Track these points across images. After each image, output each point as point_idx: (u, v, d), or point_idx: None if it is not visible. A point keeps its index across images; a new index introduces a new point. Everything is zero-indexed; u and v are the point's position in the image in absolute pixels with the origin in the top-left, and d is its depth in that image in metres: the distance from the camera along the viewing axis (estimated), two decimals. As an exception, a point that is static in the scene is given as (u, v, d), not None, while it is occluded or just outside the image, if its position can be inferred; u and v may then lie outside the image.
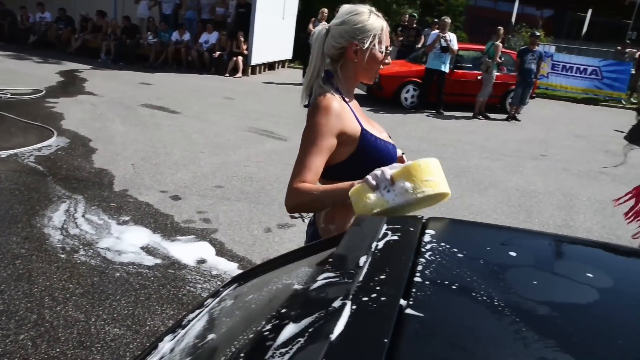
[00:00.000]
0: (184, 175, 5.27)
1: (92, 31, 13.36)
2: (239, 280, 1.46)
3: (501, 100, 10.72)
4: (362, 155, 1.60)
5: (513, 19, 19.24)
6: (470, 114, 10.14)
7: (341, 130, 1.56)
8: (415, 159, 1.35)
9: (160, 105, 8.36)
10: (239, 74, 12.11)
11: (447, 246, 0.92)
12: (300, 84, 12.37)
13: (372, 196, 1.26)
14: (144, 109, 8.08)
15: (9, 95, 8.12)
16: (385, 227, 1.03)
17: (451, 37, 9.80)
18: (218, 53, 12.24)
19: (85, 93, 8.96)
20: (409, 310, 0.72)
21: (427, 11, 19.92)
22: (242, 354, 0.84)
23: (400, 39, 12.19)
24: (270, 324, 0.87)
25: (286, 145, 6.72)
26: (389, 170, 1.29)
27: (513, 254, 0.93)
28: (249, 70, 12.60)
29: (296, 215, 4.48)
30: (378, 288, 0.78)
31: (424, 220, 1.06)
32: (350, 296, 0.76)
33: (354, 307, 0.73)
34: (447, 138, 8.12)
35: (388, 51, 1.66)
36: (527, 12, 24.56)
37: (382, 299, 0.75)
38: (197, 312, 1.37)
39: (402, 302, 0.74)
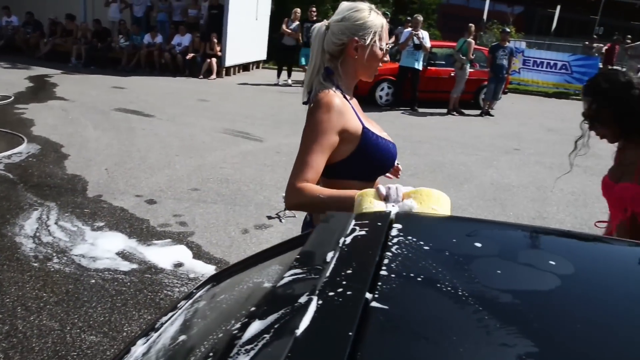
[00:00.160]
0: (159, 179, 5.22)
1: (61, 35, 13.12)
2: (212, 281, 1.46)
3: (474, 96, 10.87)
4: (363, 154, 1.59)
5: (485, 16, 19.49)
6: (444, 111, 10.25)
7: (343, 127, 1.55)
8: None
9: (134, 109, 8.26)
10: (213, 76, 12.03)
11: (414, 239, 0.93)
12: (275, 85, 12.32)
13: (376, 203, 1.26)
14: (117, 113, 7.97)
15: (-24, 102, 7.93)
16: (353, 222, 1.04)
17: (424, 34, 9.90)
18: (191, 55, 12.14)
19: (56, 98, 8.80)
20: (374, 304, 0.72)
21: (400, 9, 20.10)
22: (211, 354, 0.83)
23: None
24: (239, 323, 0.87)
25: (262, 146, 6.70)
26: (402, 189, 1.29)
27: (479, 245, 0.95)
28: (223, 72, 12.52)
29: (273, 215, 4.47)
30: (344, 283, 0.79)
31: (392, 216, 1.07)
32: (317, 292, 0.76)
33: (320, 302, 0.73)
34: (422, 134, 8.20)
35: (387, 49, 1.66)
36: (498, 9, 24.95)
37: (348, 293, 0.76)
38: (170, 314, 1.36)
39: (368, 295, 0.74)
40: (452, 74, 10.26)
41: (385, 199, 1.27)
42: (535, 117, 10.55)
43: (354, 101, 1.71)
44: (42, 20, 13.41)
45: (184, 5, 13.10)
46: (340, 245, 0.93)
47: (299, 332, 0.67)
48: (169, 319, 1.32)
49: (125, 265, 3.52)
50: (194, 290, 1.48)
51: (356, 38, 1.59)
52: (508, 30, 11.37)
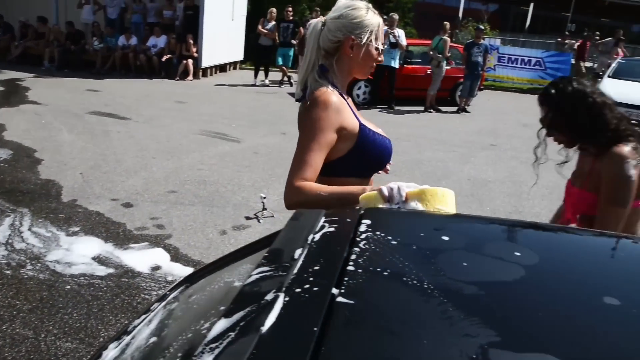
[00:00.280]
0: (135, 182, 5.16)
1: (33, 38, 12.87)
2: (185, 282, 1.45)
3: (451, 93, 10.97)
4: (361, 151, 1.58)
5: (460, 14, 19.71)
6: (421, 108, 10.33)
7: (341, 125, 1.53)
8: None
9: (109, 112, 8.15)
10: (190, 77, 11.93)
11: (382, 234, 0.94)
12: (252, 85, 12.24)
13: (380, 207, 1.25)
14: (91, 116, 7.85)
15: (-55, 108, 7.74)
16: (323, 219, 1.04)
17: (399, 33, 9.96)
18: (167, 57, 12.02)
19: (29, 102, 8.62)
20: (340, 299, 0.73)
21: (377, 8, 20.13)
22: (179, 354, 0.83)
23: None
24: (208, 322, 0.86)
25: (239, 146, 6.67)
26: (405, 188, 1.26)
27: (446, 238, 0.96)
28: (200, 73, 12.43)
29: (251, 216, 4.46)
30: (311, 279, 0.79)
31: (361, 212, 1.07)
32: (283, 288, 0.76)
33: (287, 299, 0.74)
34: (400, 132, 8.24)
35: (382, 48, 1.66)
36: (473, 7, 25.22)
37: (315, 289, 0.76)
38: (143, 317, 1.35)
39: (334, 291, 0.75)
40: (429, 72, 10.34)
41: (389, 200, 1.25)
42: (511, 113, 10.69)
43: (349, 99, 1.70)
44: (13, 23, 13.13)
45: (158, 6, 12.94)
46: (309, 242, 0.93)
47: (264, 329, 0.67)
48: (142, 321, 1.31)
49: (102, 270, 3.47)
50: (168, 292, 1.47)
51: (352, 36, 1.57)
52: (482, 27, 11.51)
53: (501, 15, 27.85)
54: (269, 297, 0.74)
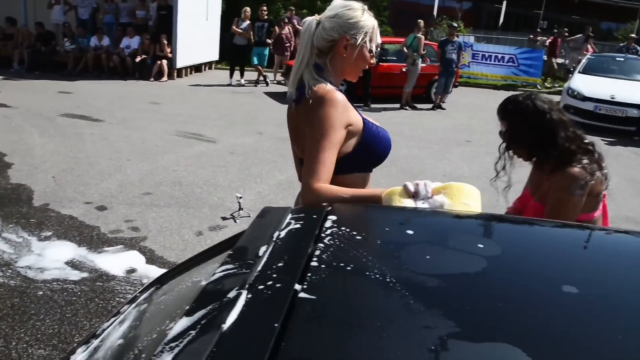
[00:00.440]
0: (109, 184, 5.08)
1: (1, 39, 12.56)
2: (155, 284, 1.44)
3: (426, 91, 11.05)
4: (367, 146, 1.58)
5: (435, 12, 19.86)
6: (397, 106, 10.39)
7: (348, 121, 1.53)
8: None
9: (82, 114, 8.00)
10: (165, 78, 11.79)
11: (347, 230, 0.95)
12: (228, 85, 12.11)
13: (405, 202, 1.24)
14: (64, 118, 7.70)
15: None
16: (289, 216, 1.04)
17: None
18: (141, 57, 11.86)
19: (-2, 105, 8.43)
20: (302, 294, 0.73)
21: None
22: (143, 355, 0.82)
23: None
24: (173, 322, 0.86)
25: (215, 147, 6.62)
26: (431, 184, 1.26)
27: (410, 232, 0.97)
28: (175, 74, 12.29)
29: (227, 216, 4.43)
30: (275, 276, 0.79)
31: (328, 208, 1.08)
32: (246, 286, 0.76)
33: (249, 296, 0.74)
34: (376, 130, 8.28)
35: (376, 51, 1.65)
36: (447, 5, 25.43)
37: (278, 285, 0.76)
38: (112, 320, 1.34)
39: (297, 287, 0.75)
40: (404, 70, 10.40)
41: (414, 196, 1.24)
42: (485, 109, 10.80)
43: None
44: (-20, 24, 12.80)
45: (131, 6, 12.74)
46: (274, 239, 0.94)
47: (225, 326, 0.67)
48: (111, 324, 1.29)
49: (75, 275, 3.41)
50: (138, 294, 1.45)
51: (347, 36, 1.56)
52: (455, 25, 11.64)
53: (475, 13, 28.16)
54: (232, 294, 0.75)
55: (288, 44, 12.25)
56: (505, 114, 1.98)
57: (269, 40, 11.81)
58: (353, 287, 0.78)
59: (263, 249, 0.88)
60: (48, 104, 8.62)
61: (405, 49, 10.24)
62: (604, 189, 1.91)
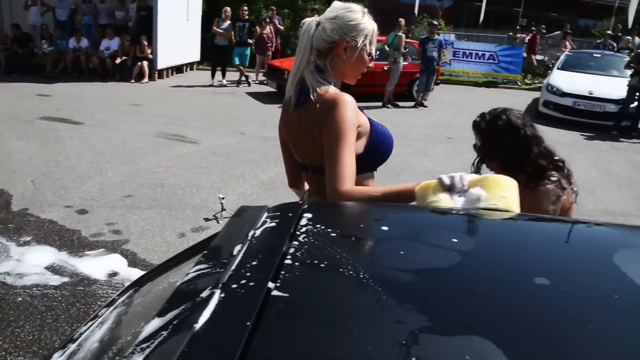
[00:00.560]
0: (90, 187, 5.02)
1: (-23, 42, 12.33)
2: (134, 286, 1.43)
3: (408, 88, 11.11)
4: (376, 146, 1.59)
5: (416, 11, 19.96)
6: (379, 104, 10.42)
7: (359, 123, 1.54)
8: None
9: (61, 117, 7.90)
10: (146, 79, 11.68)
11: (322, 227, 0.94)
12: (210, 86, 12.03)
13: (441, 196, 1.21)
14: (42, 121, 7.59)
15: None
16: (265, 215, 1.04)
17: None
18: (122, 58, 11.73)
19: (-26, 109, 8.28)
20: (275, 292, 0.73)
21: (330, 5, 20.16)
22: (116, 358, 0.81)
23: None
24: (147, 323, 0.85)
25: (197, 148, 6.58)
26: (467, 177, 1.22)
27: (385, 228, 0.97)
28: (156, 75, 12.17)
29: (210, 217, 4.41)
30: (248, 274, 0.79)
31: (304, 206, 1.08)
32: (220, 285, 0.76)
33: (222, 295, 0.73)
34: (359, 129, 8.30)
35: (375, 54, 1.64)
36: (428, 4, 25.57)
37: (251, 284, 0.76)
38: (89, 324, 1.32)
39: (270, 285, 0.75)
40: (386, 68, 10.44)
41: (450, 189, 1.21)
42: (467, 107, 10.91)
43: None
44: (-46, 27, 12.56)
45: (109, 7, 12.60)
46: (249, 238, 0.93)
47: (197, 326, 0.67)
48: (89, 328, 1.28)
49: (56, 280, 3.36)
50: (116, 297, 1.44)
51: (347, 38, 1.55)
52: (435, 23, 11.71)
53: (455, 11, 28.38)
54: (205, 294, 0.74)
55: (270, 44, 12.22)
56: (480, 128, 2.00)
57: (250, 41, 11.77)
58: (327, 284, 0.78)
59: (237, 248, 0.88)
60: (26, 107, 8.48)
61: (386, 47, 10.27)
62: (573, 202, 1.99)
